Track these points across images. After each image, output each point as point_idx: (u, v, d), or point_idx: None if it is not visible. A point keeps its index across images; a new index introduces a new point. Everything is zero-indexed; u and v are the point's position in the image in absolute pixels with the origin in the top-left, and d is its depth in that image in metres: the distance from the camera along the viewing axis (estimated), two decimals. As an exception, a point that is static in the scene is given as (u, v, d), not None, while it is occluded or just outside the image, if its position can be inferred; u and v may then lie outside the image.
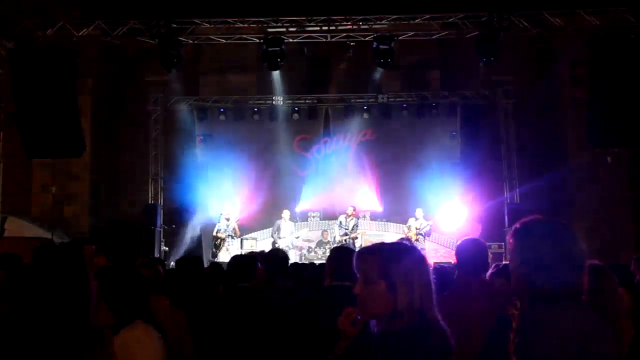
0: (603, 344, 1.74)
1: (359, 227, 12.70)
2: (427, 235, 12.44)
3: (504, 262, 3.97)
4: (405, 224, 12.79)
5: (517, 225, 1.94)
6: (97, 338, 1.96)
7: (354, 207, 12.70)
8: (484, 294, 3.23)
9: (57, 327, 1.81)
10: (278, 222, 12.84)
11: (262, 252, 6.14)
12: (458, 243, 3.62)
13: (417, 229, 12.37)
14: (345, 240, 12.21)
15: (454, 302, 1.95)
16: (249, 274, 3.97)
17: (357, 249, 11.79)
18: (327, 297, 3.49)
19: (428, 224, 12.45)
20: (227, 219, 12.85)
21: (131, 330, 2.52)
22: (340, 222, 12.57)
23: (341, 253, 3.76)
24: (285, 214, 12.94)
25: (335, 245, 11.72)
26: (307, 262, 11.43)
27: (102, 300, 2.49)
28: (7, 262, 3.78)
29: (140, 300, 2.67)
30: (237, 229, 12.97)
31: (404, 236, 11.64)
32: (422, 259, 2.06)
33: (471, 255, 3.41)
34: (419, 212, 12.60)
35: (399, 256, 2.03)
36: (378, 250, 2.10)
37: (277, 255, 4.65)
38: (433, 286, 2.02)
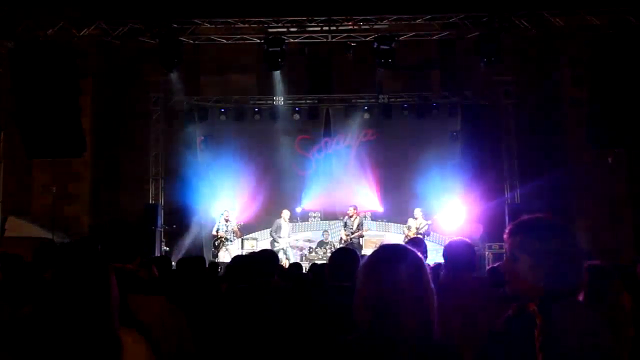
0: (605, 341, 1.75)
1: (364, 226, 12.70)
2: (426, 234, 12.43)
3: (491, 265, 3.95)
4: (406, 225, 12.80)
5: (521, 224, 1.91)
6: (119, 343, 1.94)
7: (354, 206, 12.70)
8: (472, 293, 3.24)
9: (84, 331, 1.79)
10: (278, 221, 12.87)
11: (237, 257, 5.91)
12: (445, 244, 3.65)
13: (417, 228, 12.38)
14: (350, 239, 12.22)
15: (441, 301, 1.94)
16: (250, 274, 3.98)
17: (362, 247, 11.77)
18: (327, 297, 3.49)
19: (427, 224, 12.45)
20: (227, 220, 12.86)
21: None
22: (346, 223, 12.59)
23: (342, 254, 3.77)
24: (285, 214, 12.95)
25: (340, 245, 11.74)
26: (307, 262, 11.46)
27: None
28: (7, 262, 3.78)
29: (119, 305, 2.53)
30: (238, 231, 12.97)
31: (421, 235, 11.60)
32: (373, 268, 1.91)
33: (459, 255, 3.44)
34: (417, 212, 12.61)
35: (363, 262, 1.98)
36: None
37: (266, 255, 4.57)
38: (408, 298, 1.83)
